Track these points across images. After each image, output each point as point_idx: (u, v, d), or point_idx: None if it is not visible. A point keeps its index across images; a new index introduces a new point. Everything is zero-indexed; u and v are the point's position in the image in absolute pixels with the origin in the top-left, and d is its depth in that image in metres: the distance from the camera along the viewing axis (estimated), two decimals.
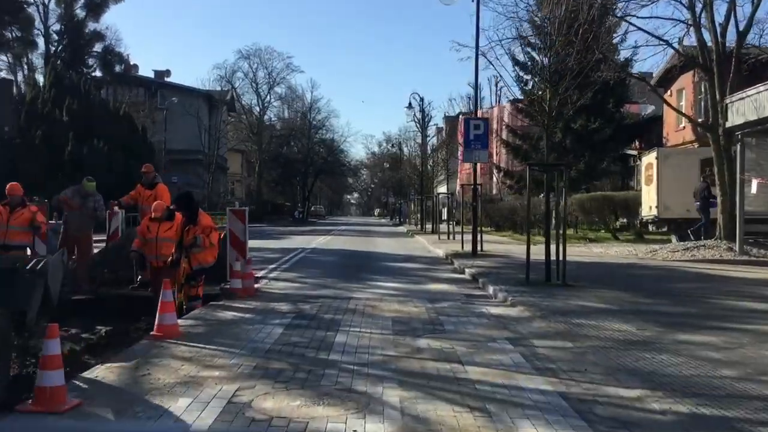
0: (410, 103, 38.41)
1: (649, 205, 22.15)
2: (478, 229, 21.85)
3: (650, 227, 23.70)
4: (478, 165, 22.16)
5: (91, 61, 51.05)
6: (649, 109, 44.62)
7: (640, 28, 21.86)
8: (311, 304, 9.19)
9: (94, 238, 11.96)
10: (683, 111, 34.52)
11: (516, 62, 35.85)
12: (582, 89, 34.60)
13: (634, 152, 37.19)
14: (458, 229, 27.18)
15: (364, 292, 11.01)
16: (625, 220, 28.66)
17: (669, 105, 24.87)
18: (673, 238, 22.05)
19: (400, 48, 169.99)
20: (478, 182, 26.16)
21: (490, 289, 11.24)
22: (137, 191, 10.81)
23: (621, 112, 38.05)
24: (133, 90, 53.85)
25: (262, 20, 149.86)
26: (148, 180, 10.69)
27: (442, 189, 61.66)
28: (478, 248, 18.76)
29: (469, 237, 20.39)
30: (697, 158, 21.18)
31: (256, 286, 11.25)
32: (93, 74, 47.07)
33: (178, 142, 52.98)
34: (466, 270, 14.29)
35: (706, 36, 18.29)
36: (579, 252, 18.69)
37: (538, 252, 12.37)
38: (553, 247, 11.72)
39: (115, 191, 30.58)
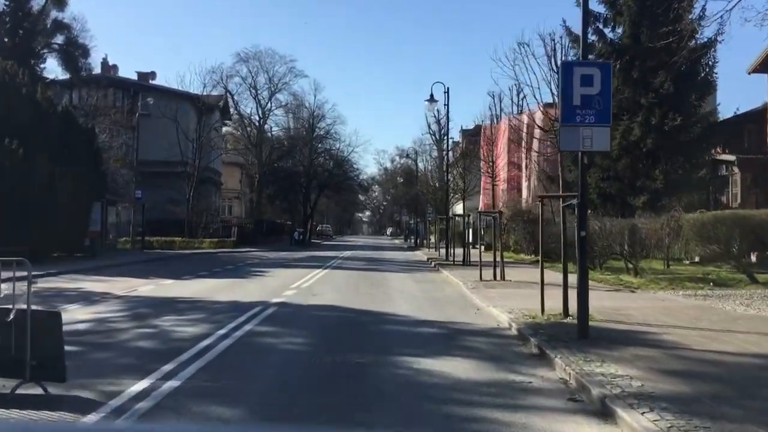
0: (432, 95, 29.79)
1: None
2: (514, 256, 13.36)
3: None
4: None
5: (51, 56, 43.21)
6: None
7: None
8: None
9: None
10: None
11: (575, 39, 27.20)
12: (660, 70, 26.05)
13: (731, 157, 28.24)
14: (485, 256, 18.47)
15: None
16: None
17: None
18: None
19: (413, 59, 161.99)
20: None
21: None
22: None
23: (702, 107, 29.21)
24: (109, 92, 45.82)
25: (263, 23, 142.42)
26: None
27: (460, 207, 52.98)
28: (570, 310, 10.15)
29: (524, 274, 11.89)
30: None
31: None
32: (43, 66, 38.97)
33: (160, 152, 44.78)
34: (625, 418, 5.47)
35: None
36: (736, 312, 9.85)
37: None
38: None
39: (29, 204, 22.07)
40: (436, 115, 63.22)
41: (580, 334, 8.85)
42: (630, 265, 18.91)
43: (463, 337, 9.60)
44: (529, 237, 30.47)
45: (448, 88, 30.03)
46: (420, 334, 9.84)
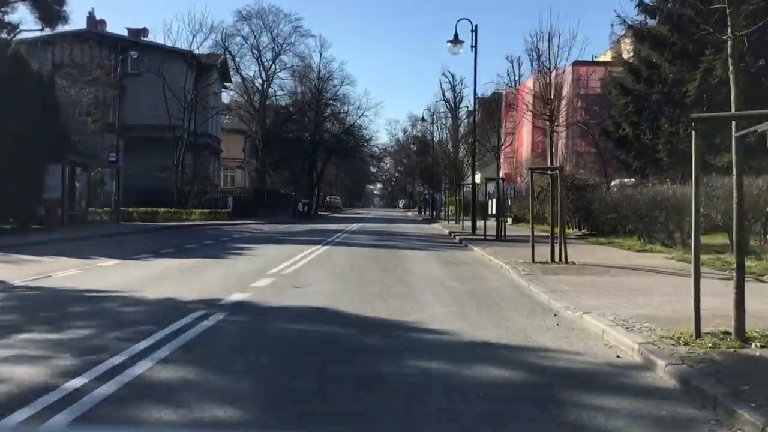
0: (456, 35, 24.45)
1: None
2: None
3: None
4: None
5: (24, 4, 38.15)
6: None
7: None
8: None
9: None
10: None
11: None
12: None
13: None
14: (517, 230, 13.46)
15: None
16: None
17: None
18: None
19: (427, 22, 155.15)
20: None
21: None
22: None
23: None
24: (92, 45, 40.80)
25: None
26: None
27: (476, 178, 47.78)
28: None
29: (583, 253, 9.95)
30: None
31: None
32: (5, 10, 33.89)
33: (152, 116, 39.97)
34: None
35: None
36: None
37: None
38: None
39: None
40: (451, 81, 58.10)
41: None
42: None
43: (577, 398, 4.61)
44: (572, 207, 25.49)
45: (476, 26, 24.64)
46: (484, 387, 4.81)
